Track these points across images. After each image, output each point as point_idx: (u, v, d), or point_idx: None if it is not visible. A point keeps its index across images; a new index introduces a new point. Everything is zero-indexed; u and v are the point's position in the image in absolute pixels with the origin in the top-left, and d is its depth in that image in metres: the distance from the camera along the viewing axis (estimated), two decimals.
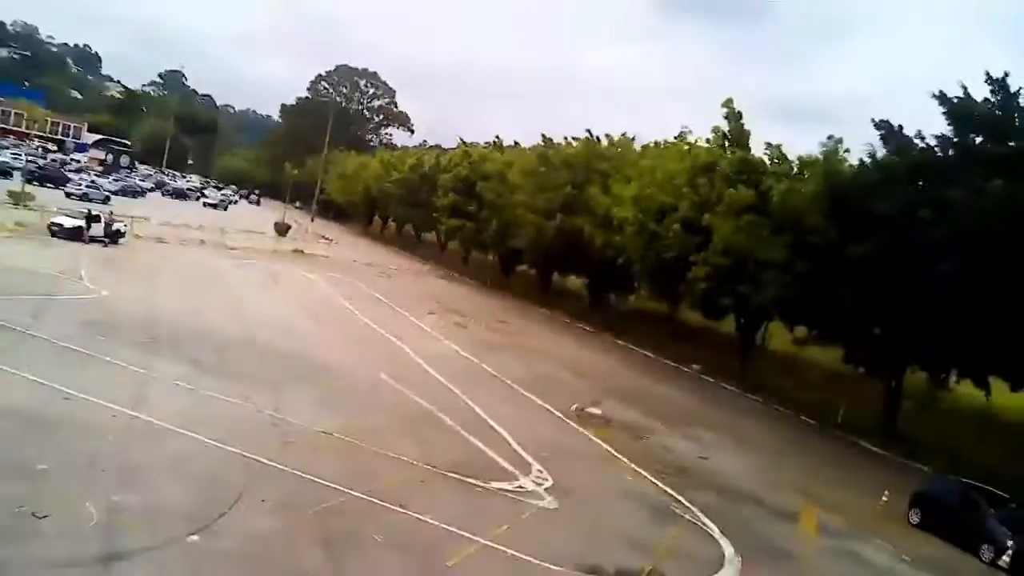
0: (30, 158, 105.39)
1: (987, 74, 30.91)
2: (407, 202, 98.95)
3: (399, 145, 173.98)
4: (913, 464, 32.64)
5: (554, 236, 59.44)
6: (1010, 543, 21.65)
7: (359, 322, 39.61)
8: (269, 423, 20.20)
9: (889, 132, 34.26)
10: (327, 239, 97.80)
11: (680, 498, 21.30)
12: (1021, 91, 30.68)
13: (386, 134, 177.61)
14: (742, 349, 47.25)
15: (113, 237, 48.03)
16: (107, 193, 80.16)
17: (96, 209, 64.25)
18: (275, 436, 19.35)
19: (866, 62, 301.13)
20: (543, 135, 68.98)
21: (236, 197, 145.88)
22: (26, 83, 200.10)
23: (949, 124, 32.11)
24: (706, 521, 19.96)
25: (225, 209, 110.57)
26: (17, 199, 58.92)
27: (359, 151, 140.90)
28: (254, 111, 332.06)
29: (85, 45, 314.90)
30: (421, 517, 16.25)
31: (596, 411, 30.24)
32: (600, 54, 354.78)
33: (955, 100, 31.53)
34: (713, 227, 42.01)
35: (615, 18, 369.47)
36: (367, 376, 27.88)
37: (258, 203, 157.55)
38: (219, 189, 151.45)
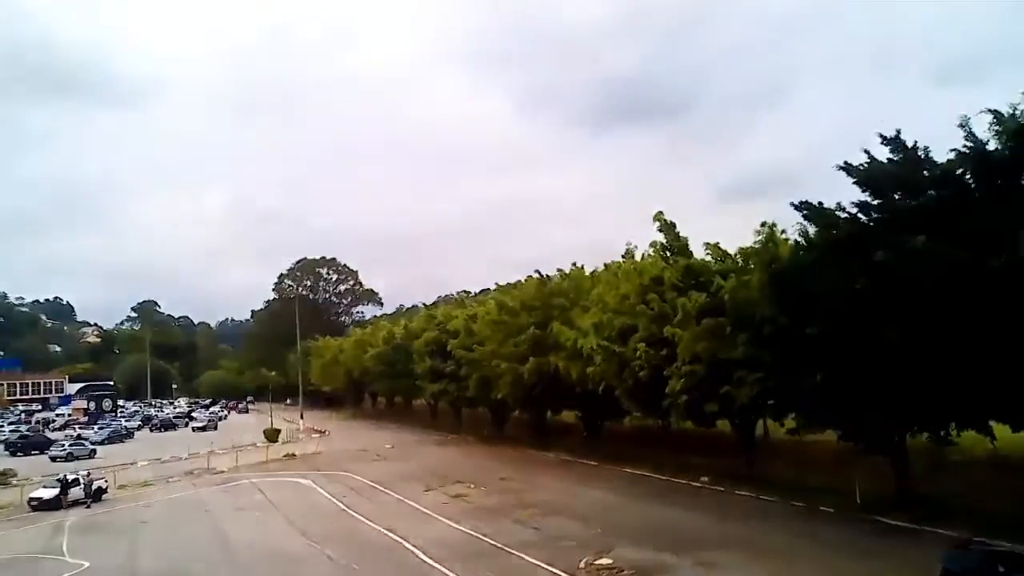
0: (12, 427, 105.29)
1: (881, 136, 31.61)
2: (388, 375, 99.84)
3: (371, 317, 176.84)
4: (937, 530, 31.59)
5: (531, 379, 59.59)
6: None
7: (354, 523, 38.53)
8: None
9: (811, 211, 34.63)
10: (319, 431, 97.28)
11: None
12: (917, 144, 31.26)
13: (358, 312, 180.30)
14: (743, 449, 46.34)
15: (95, 496, 47.28)
16: (93, 447, 79.85)
17: (83, 465, 64.10)
18: None
19: (804, 126, 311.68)
20: (496, 284, 70.57)
21: (224, 412, 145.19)
22: (1, 352, 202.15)
23: (863, 191, 32.57)
24: None
25: (215, 428, 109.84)
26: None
27: (334, 336, 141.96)
28: (232, 319, 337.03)
29: (56, 298, 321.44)
30: None
31: (607, 561, 29.14)
32: (545, 179, 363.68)
33: (860, 167, 32.13)
34: (676, 338, 41.99)
35: (550, 145, 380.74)
36: None
37: (247, 411, 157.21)
38: (207, 408, 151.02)
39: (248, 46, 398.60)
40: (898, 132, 31.31)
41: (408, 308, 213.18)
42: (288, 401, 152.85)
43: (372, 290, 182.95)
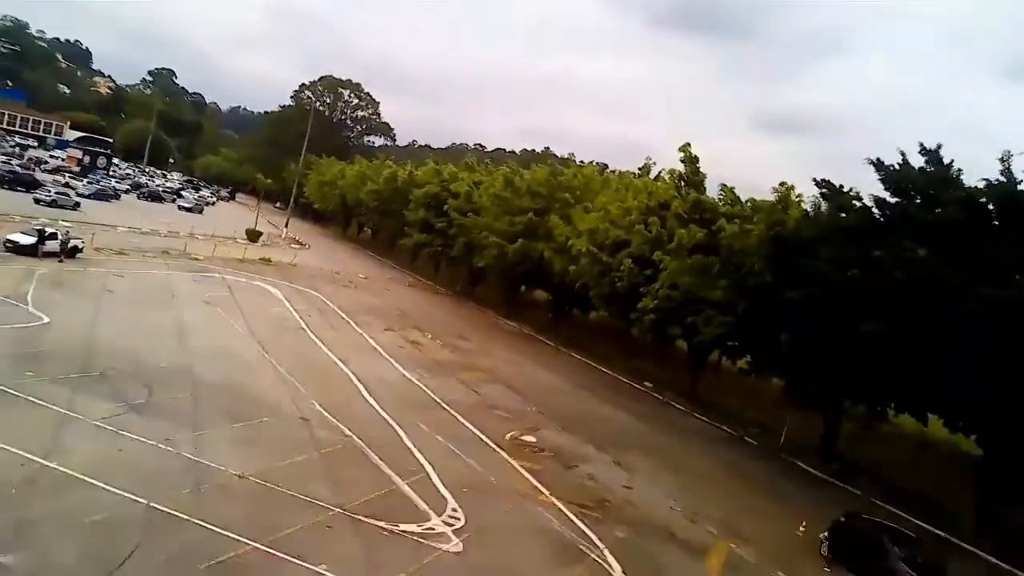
0: (3, 159, 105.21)
1: (921, 145, 32.30)
2: (380, 211, 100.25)
3: (378, 147, 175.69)
4: (847, 487, 33.52)
5: (515, 258, 61.58)
6: None
7: (308, 344, 39.73)
8: (183, 468, 20.45)
9: (829, 190, 35.33)
10: (301, 243, 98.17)
11: (591, 534, 21.74)
12: (953, 163, 31.96)
13: (368, 142, 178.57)
14: (692, 369, 47.89)
15: (70, 253, 48.05)
16: (77, 200, 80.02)
17: (65, 215, 64.93)
18: (188, 482, 19.63)
19: (853, 78, 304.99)
20: (508, 167, 70.03)
21: (213, 198, 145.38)
22: (9, 82, 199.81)
23: (886, 189, 33.13)
24: (611, 561, 20.45)
25: (200, 212, 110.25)
26: None
27: (340, 158, 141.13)
28: (244, 108, 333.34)
29: (76, 41, 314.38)
30: (318, 570, 16.63)
31: (531, 439, 30.73)
32: (592, 63, 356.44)
33: (891, 168, 32.90)
34: (663, 264, 43.35)
35: (609, 31, 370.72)
36: (301, 408, 28.10)
37: (231, 199, 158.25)
38: (198, 190, 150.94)
39: None
40: (938, 147, 32.03)
41: (420, 146, 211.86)
42: (278, 204, 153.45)
43: (388, 124, 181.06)
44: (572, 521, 22.59)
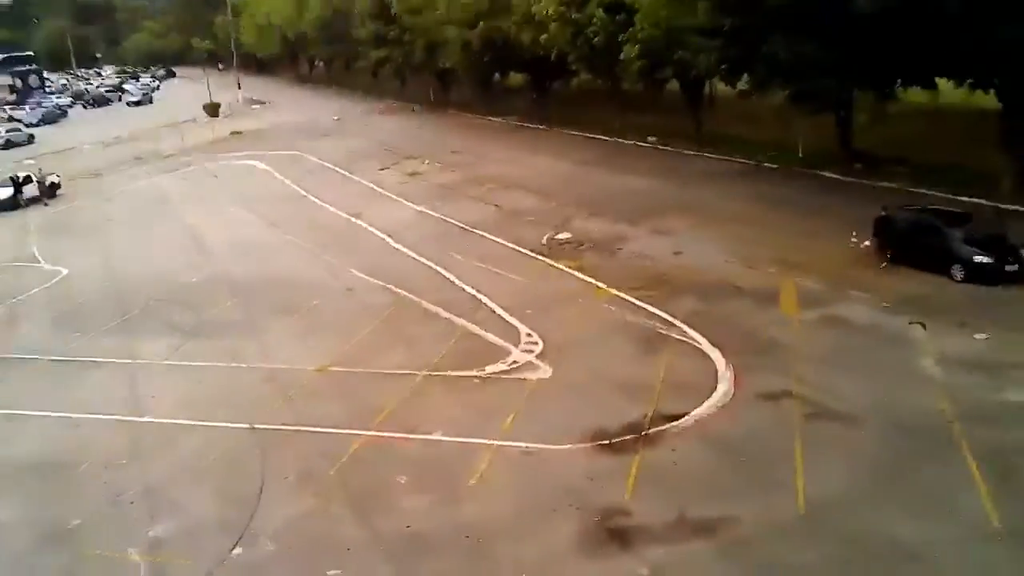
0: None
1: None
2: (327, 39, 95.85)
3: None
4: (877, 184, 33.35)
5: (481, 45, 57.87)
6: (978, 259, 22.32)
7: (317, 210, 39.50)
8: (263, 379, 20.83)
9: None
10: (260, 102, 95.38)
11: (664, 315, 22.01)
12: None
13: None
14: (691, 109, 46.75)
15: (50, 192, 47.11)
16: (30, 132, 77.55)
17: (23, 153, 63.12)
18: (274, 392, 20.04)
19: None
20: None
21: (157, 83, 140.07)
22: None
23: None
24: (693, 335, 20.70)
25: (150, 102, 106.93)
26: None
27: None
28: None
29: None
30: (434, 438, 17.14)
31: (565, 235, 30.79)
32: None
33: None
34: (637, 4, 40.49)
35: None
36: (341, 279, 28.23)
37: (171, 76, 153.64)
38: (137, 79, 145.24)
39: None
40: None
41: None
42: (220, 67, 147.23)
43: None
44: (640, 307, 22.86)
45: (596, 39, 44.75)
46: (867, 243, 25.62)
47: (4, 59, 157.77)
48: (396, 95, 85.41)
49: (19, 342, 25.40)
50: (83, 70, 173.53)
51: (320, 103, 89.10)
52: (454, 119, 67.08)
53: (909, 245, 24.35)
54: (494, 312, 23.50)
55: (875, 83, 33.69)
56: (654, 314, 22.20)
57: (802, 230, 28.47)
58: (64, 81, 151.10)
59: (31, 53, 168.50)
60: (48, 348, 24.41)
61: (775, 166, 39.17)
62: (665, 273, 25.54)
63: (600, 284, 25.03)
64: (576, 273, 26.38)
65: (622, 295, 23.86)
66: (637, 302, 23.15)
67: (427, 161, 48.64)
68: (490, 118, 64.05)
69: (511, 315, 23.01)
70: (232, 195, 44.58)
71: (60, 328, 25.88)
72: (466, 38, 58.86)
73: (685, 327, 21.16)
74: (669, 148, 45.49)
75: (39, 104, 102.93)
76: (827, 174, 36.37)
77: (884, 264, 24.49)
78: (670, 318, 21.78)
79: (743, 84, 40.70)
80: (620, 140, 49.08)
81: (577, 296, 24.61)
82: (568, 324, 22.36)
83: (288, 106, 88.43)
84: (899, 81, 33.77)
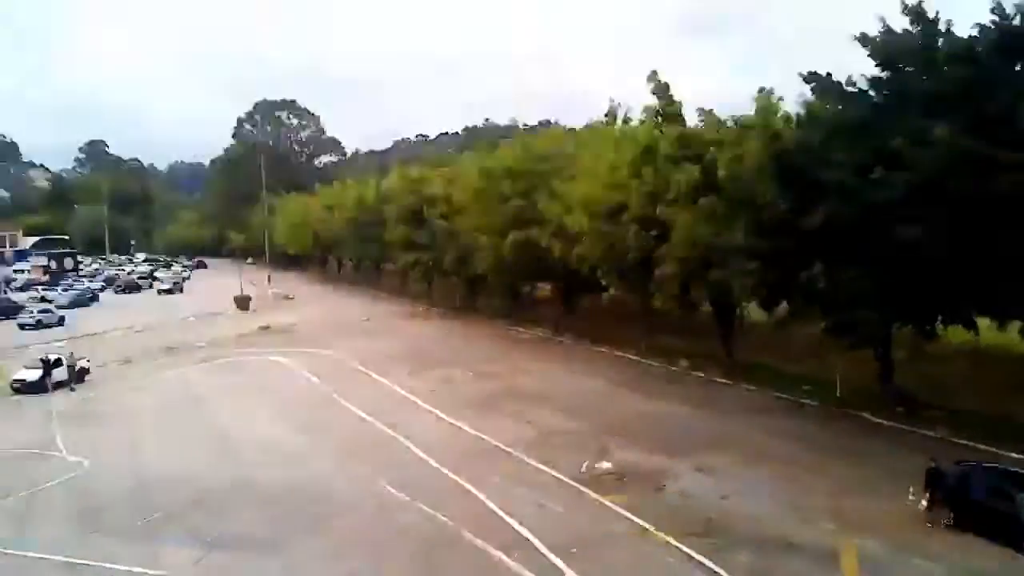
0: None
1: (902, 3, 30.30)
2: (358, 240, 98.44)
3: (329, 163, 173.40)
4: (921, 431, 32.42)
5: (512, 254, 58.38)
6: None
7: (346, 414, 38.83)
8: None
9: (820, 83, 33.05)
10: (289, 298, 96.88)
11: (716, 567, 20.71)
12: (939, 16, 29.99)
13: (320, 161, 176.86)
14: (723, 333, 46.70)
15: (79, 377, 46.97)
16: (61, 314, 78.52)
17: (52, 333, 63.51)
18: None
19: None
20: (477, 152, 67.60)
21: (188, 272, 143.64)
22: None
23: (877, 65, 31.37)
24: None
25: (181, 291, 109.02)
26: None
27: (298, 188, 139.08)
28: (181, 160, 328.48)
29: (0, 134, 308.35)
30: None
31: (605, 465, 29.71)
32: (509, 19, 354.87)
33: (877, 38, 30.82)
34: (672, 221, 41.04)
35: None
36: (374, 495, 27.20)
37: (201, 266, 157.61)
38: (169, 267, 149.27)
39: None
40: (920, 1, 29.91)
41: (365, 153, 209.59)
42: (250, 260, 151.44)
43: (335, 139, 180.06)
44: (690, 555, 21.62)
45: (630, 254, 45.06)
46: (923, 502, 24.37)
47: (40, 241, 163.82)
48: (424, 298, 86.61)
49: (32, 540, 24.15)
50: (116, 256, 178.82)
51: (348, 301, 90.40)
52: (482, 327, 67.50)
53: (972, 507, 22.87)
54: (536, 548, 22.27)
55: (916, 319, 33.44)
56: (706, 566, 20.93)
57: (853, 480, 27.33)
58: (97, 266, 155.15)
59: (67, 237, 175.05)
60: (63, 548, 23.22)
61: (814, 403, 38.40)
62: (714, 519, 24.17)
63: (648, 526, 23.76)
64: (620, 510, 25.13)
65: (672, 541, 22.56)
66: (691, 552, 21.81)
67: (456, 369, 48.39)
68: (519, 329, 64.41)
69: (555, 554, 21.77)
70: (260, 392, 44.18)
71: (77, 527, 24.75)
72: (497, 246, 59.73)
73: None
74: (701, 375, 45.08)
75: (71, 286, 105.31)
76: (868, 416, 35.53)
77: (943, 524, 23.26)
78: (724, 572, 20.50)
79: (781, 313, 40.70)
80: (650, 362, 48.84)
81: (624, 537, 23.26)
82: (616, 571, 21.08)
83: (317, 303, 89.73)
84: (940, 318, 33.60)
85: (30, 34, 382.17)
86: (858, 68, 32.32)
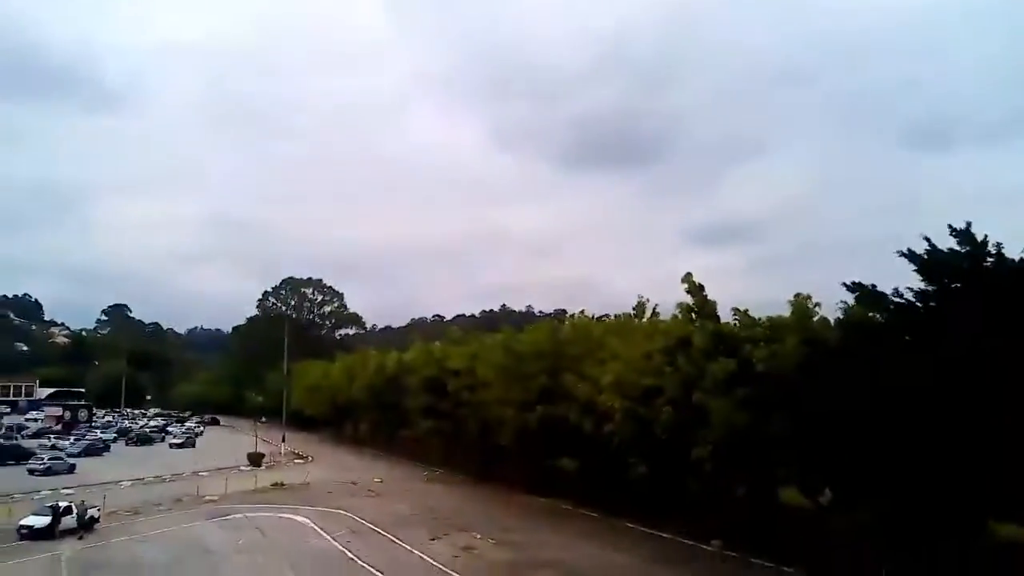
0: None
1: (950, 227, 31.39)
2: (377, 405, 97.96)
3: (349, 336, 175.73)
4: None
5: (538, 427, 58.18)
6: None
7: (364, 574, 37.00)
8: None
9: (864, 294, 34.15)
10: (303, 457, 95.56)
11: None
12: (987, 238, 31.00)
13: (340, 333, 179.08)
14: (759, 514, 44.79)
15: (88, 526, 45.50)
16: (71, 462, 77.48)
17: (62, 481, 62.35)
18: None
19: (772, 178, 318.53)
20: (506, 333, 67.95)
21: (200, 428, 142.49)
22: None
23: (922, 280, 32.23)
24: None
25: (193, 445, 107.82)
26: None
27: (316, 357, 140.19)
28: (201, 327, 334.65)
29: (25, 295, 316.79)
30: None
31: None
32: (520, 214, 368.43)
33: (924, 255, 31.82)
34: (709, 407, 40.79)
35: (525, 181, 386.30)
36: None
37: (218, 423, 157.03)
38: (182, 422, 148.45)
39: (228, 62, 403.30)
40: (968, 225, 30.93)
41: (382, 328, 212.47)
42: (263, 419, 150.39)
43: (357, 314, 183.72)
44: None
45: (664, 436, 44.53)
46: None
47: (55, 392, 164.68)
48: (441, 463, 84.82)
49: None
50: (130, 410, 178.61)
51: (363, 463, 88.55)
52: (501, 495, 65.41)
53: None
54: None
55: (968, 516, 32.39)
56: None
57: None
58: (110, 418, 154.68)
59: (82, 390, 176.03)
60: None
61: None
62: None
63: None
64: None
65: None
66: None
67: (477, 535, 46.54)
68: (540, 499, 62.30)
69: None
70: (273, 551, 42.30)
71: None
72: (523, 419, 59.31)
73: None
74: (735, 555, 42.97)
75: (83, 436, 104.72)
76: None
77: None
78: None
79: (823, 501, 39.65)
80: (680, 540, 46.71)
81: None
82: None
83: (330, 463, 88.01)
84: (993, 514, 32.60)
85: (61, 205, 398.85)
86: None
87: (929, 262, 31.85)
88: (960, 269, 31.44)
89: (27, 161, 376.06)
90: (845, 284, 34.69)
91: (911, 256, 32.05)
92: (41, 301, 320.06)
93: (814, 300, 39.67)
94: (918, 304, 32.71)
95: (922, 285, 32.55)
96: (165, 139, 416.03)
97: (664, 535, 48.10)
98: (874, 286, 34.10)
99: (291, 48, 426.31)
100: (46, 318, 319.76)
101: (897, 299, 33.15)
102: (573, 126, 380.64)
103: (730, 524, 46.08)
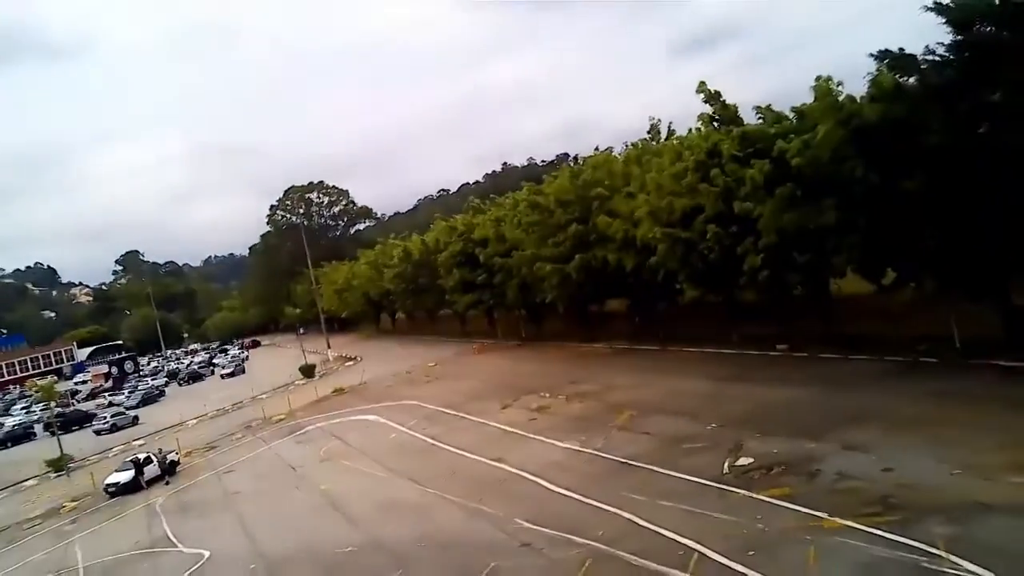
0: (42, 405, 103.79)
1: None
2: (411, 292, 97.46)
3: (366, 227, 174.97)
4: None
5: (579, 276, 57.45)
6: None
7: (455, 459, 37.12)
8: None
9: (896, 59, 31.96)
10: (352, 358, 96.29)
11: (920, 544, 18.69)
12: None
13: (355, 231, 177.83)
14: (818, 310, 44.67)
15: (171, 470, 46.21)
16: (133, 414, 78.47)
17: (128, 434, 63.26)
18: None
19: None
20: (528, 188, 66.31)
21: (245, 353, 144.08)
22: (3, 331, 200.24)
23: (952, 31, 30.05)
24: (969, 567, 17.36)
25: (243, 372, 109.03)
26: (57, 465, 56.81)
27: (338, 259, 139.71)
28: (215, 255, 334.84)
29: (37, 264, 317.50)
30: None
31: (748, 460, 27.89)
32: (503, 67, 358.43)
33: (951, 3, 29.65)
34: (753, 214, 39.79)
35: (499, 32, 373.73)
36: (510, 534, 25.61)
37: (259, 345, 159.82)
38: (225, 352, 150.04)
39: None
40: None
41: (391, 215, 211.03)
42: (302, 330, 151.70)
43: (368, 207, 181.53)
44: (880, 536, 19.68)
45: (711, 255, 43.66)
46: None
47: (96, 350, 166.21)
48: (485, 334, 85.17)
49: None
50: (171, 351, 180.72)
51: (411, 352, 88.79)
52: (555, 351, 65.51)
53: None
54: (713, 560, 20.44)
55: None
56: (906, 544, 18.97)
57: (1020, 427, 25.23)
58: (156, 363, 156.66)
59: (120, 342, 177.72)
60: None
61: (934, 360, 36.15)
62: (889, 495, 22.06)
63: (821, 514, 21.80)
64: (786, 504, 23.24)
65: (855, 524, 20.66)
66: (878, 532, 19.91)
67: (547, 394, 46.64)
68: (592, 345, 62.46)
69: (733, 560, 19.99)
70: (357, 453, 42.75)
71: None
72: (563, 272, 58.59)
73: (955, 558, 17.84)
74: (805, 354, 42.86)
75: (136, 387, 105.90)
76: (1002, 363, 33.18)
77: None
78: (930, 548, 18.51)
79: (886, 281, 39.23)
80: (745, 352, 46.62)
81: (800, 530, 21.26)
82: (809, 570, 19.17)
83: (380, 359, 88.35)
84: None
85: (53, 165, 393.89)
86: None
87: (956, 9, 29.64)
88: (990, 9, 29.46)
89: (6, 131, 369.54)
90: (871, 54, 32.56)
91: (938, 8, 29.82)
92: (54, 266, 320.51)
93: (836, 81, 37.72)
94: (952, 58, 30.86)
95: (952, 37, 30.53)
96: (130, 81, 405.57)
97: (727, 351, 47.92)
98: (902, 49, 32.07)
99: None
100: (63, 281, 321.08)
101: (931, 57, 31.21)
102: None
103: (790, 327, 46.08)
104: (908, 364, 36.59)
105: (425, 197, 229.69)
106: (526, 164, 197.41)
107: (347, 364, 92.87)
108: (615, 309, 69.74)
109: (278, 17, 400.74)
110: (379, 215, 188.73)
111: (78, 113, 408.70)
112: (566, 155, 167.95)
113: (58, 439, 58.96)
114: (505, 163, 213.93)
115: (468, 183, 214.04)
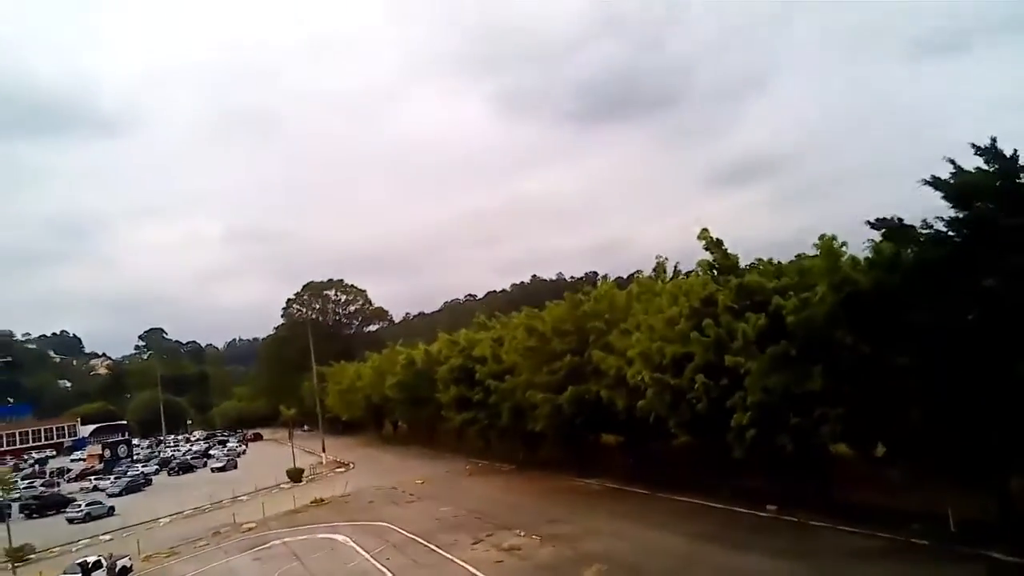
0: (27, 483, 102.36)
1: (974, 146, 28.73)
2: (410, 402, 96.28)
3: (378, 330, 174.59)
4: None
5: (570, 408, 56.12)
6: None
7: None
8: None
9: (892, 229, 31.32)
10: (344, 464, 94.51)
11: None
12: (1016, 153, 28.40)
13: (368, 330, 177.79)
14: (811, 473, 42.38)
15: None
16: (111, 505, 76.61)
17: (102, 526, 61.36)
18: None
19: (783, 112, 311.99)
20: (527, 312, 65.63)
21: (243, 446, 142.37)
22: (10, 399, 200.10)
23: (952, 207, 29.51)
24: None
25: (235, 467, 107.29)
26: (14, 555, 54.41)
27: (348, 358, 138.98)
28: (239, 338, 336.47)
29: (63, 331, 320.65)
30: None
31: None
32: (536, 181, 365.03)
33: (951, 179, 29.08)
34: (743, 369, 38.41)
35: (538, 147, 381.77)
36: None
37: (257, 439, 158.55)
38: (224, 443, 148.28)
39: (224, 67, 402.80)
40: (994, 141, 28.16)
41: (415, 316, 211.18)
42: (305, 427, 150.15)
43: (382, 308, 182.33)
44: None
45: (699, 405, 42.06)
46: None
47: (97, 428, 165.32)
48: (480, 454, 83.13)
49: None
50: (172, 436, 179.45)
51: (404, 464, 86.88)
52: (544, 482, 63.28)
53: None
54: None
55: None
56: None
57: None
58: (151, 449, 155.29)
59: (123, 422, 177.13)
60: None
61: (925, 541, 33.85)
62: None
63: None
64: None
65: None
66: None
67: (522, 533, 44.43)
68: (584, 480, 60.28)
69: None
70: None
71: None
72: (555, 402, 57.15)
73: None
74: (794, 519, 40.57)
75: (124, 473, 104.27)
76: (995, 555, 30.89)
77: None
78: None
79: (878, 452, 37.49)
80: (733, 508, 44.41)
81: None
82: None
83: (371, 468, 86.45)
84: None
85: (87, 237, 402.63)
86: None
87: (956, 186, 29.16)
88: (991, 189, 28.74)
89: (46, 198, 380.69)
90: (869, 222, 32.10)
91: (936, 183, 29.32)
92: (80, 335, 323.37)
93: (840, 240, 36.68)
94: (950, 233, 29.92)
95: (952, 212, 29.91)
96: (172, 161, 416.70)
97: (716, 505, 45.81)
98: (900, 219, 31.48)
99: (285, 47, 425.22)
100: (86, 350, 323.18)
101: (927, 231, 30.47)
102: (580, 86, 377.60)
103: (782, 486, 43.96)
104: (898, 545, 34.33)
105: (452, 300, 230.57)
106: (555, 278, 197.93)
107: (337, 470, 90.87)
108: (609, 443, 67.57)
109: (321, 110, 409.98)
110: (400, 315, 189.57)
111: (121, 186, 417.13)
112: (595, 273, 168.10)
113: (8, 529, 55.72)
114: (534, 275, 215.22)
115: (495, 291, 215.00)
